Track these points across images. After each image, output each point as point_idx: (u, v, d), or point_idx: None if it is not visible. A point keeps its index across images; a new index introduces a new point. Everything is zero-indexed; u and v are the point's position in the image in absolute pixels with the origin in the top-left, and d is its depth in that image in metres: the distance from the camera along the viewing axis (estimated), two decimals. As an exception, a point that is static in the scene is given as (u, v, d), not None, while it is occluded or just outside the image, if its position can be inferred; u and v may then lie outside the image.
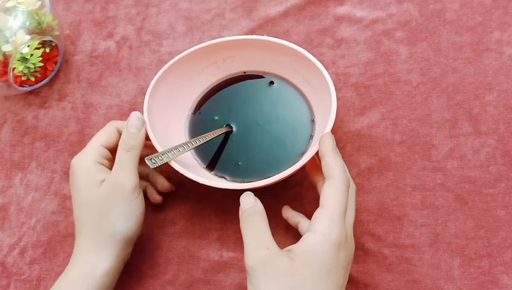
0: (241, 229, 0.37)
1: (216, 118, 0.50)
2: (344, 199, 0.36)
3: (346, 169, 0.39)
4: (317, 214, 0.36)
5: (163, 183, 0.48)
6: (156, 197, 0.48)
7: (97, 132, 0.45)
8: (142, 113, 0.46)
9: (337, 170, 0.37)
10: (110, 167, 0.43)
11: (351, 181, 0.40)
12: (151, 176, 0.48)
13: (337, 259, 0.35)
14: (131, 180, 0.42)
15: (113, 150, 0.45)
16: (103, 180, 0.42)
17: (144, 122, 0.45)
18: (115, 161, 0.43)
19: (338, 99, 0.43)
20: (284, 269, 0.34)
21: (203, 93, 0.52)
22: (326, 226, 0.35)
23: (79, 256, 0.42)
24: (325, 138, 0.39)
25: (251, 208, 0.37)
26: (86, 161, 0.43)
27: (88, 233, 0.42)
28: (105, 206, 0.42)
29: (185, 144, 0.45)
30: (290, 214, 0.45)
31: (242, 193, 0.38)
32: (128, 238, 0.43)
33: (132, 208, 0.42)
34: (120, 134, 0.45)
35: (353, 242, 0.38)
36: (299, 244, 0.35)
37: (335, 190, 0.36)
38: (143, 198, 0.44)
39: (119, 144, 0.43)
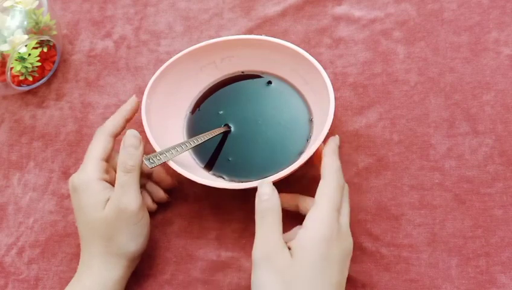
0: (256, 219, 0.38)
1: (215, 117, 0.50)
2: (335, 197, 0.38)
3: (340, 170, 0.41)
4: (310, 211, 0.38)
5: (167, 181, 0.48)
6: (163, 196, 0.48)
7: (95, 131, 0.44)
8: (141, 114, 0.46)
9: (331, 172, 0.39)
10: (111, 179, 0.43)
11: (345, 182, 0.42)
12: (155, 175, 0.48)
13: (329, 255, 0.36)
14: (135, 202, 0.42)
15: (111, 159, 0.45)
16: (107, 200, 0.42)
17: (141, 139, 0.43)
18: (116, 182, 0.42)
19: (336, 99, 0.43)
20: (282, 264, 0.36)
21: (201, 93, 0.52)
22: (318, 223, 0.37)
23: (88, 267, 0.43)
24: (329, 140, 0.42)
25: (268, 202, 0.38)
26: (89, 180, 0.42)
27: (96, 252, 0.42)
28: (111, 229, 0.42)
29: (183, 143, 0.45)
30: (285, 199, 0.43)
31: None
32: (137, 254, 0.44)
33: (139, 229, 0.43)
34: (113, 138, 0.45)
35: (350, 240, 0.39)
36: (295, 240, 0.37)
37: (327, 190, 0.38)
38: (148, 216, 0.44)
39: (118, 164, 0.42)
